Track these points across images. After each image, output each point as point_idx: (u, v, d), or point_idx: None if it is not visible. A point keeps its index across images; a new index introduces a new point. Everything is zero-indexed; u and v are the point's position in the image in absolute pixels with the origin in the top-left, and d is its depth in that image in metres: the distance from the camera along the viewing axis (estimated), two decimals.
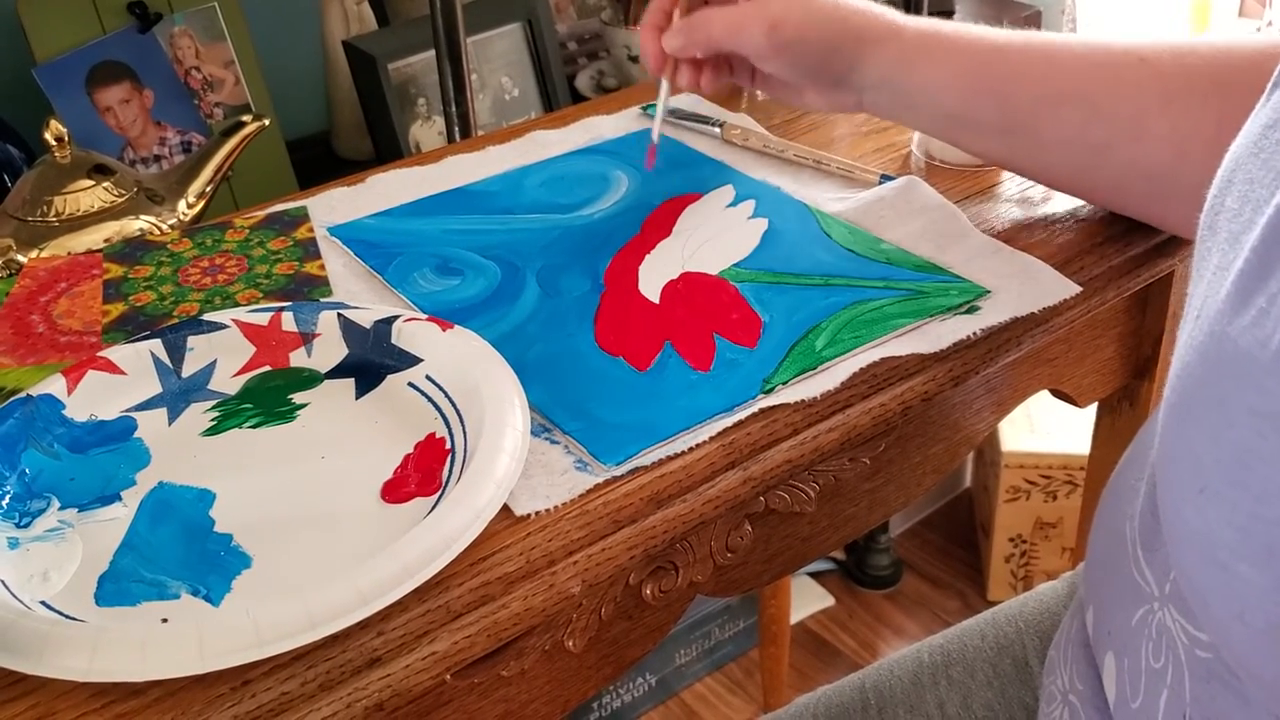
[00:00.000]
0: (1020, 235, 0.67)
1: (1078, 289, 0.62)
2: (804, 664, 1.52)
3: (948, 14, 1.09)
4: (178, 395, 0.57)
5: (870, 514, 0.65)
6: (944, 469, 0.67)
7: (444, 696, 0.50)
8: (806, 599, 1.60)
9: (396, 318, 0.58)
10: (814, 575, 1.64)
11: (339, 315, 0.59)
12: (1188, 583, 0.38)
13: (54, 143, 0.73)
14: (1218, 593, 0.36)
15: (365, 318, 0.59)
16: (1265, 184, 0.38)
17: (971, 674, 0.67)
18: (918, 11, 0.97)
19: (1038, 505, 1.50)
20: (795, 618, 1.54)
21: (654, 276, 0.65)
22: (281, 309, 0.60)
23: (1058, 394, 0.74)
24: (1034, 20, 1.03)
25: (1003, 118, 0.61)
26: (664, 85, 0.69)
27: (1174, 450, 0.38)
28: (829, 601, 1.61)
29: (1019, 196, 0.71)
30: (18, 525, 0.50)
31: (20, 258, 0.71)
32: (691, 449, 0.53)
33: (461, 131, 0.96)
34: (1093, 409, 0.82)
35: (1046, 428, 1.49)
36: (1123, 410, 0.81)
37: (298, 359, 0.59)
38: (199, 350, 0.59)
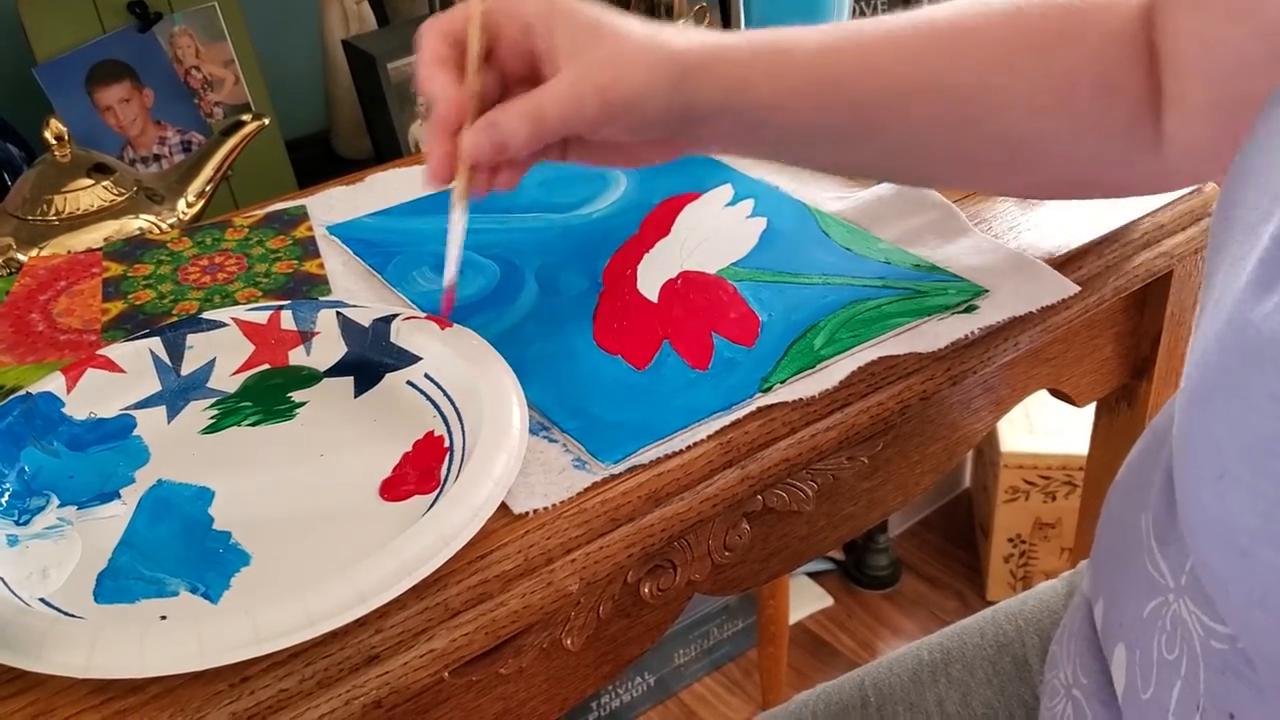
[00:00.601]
0: (1018, 235, 0.67)
1: (1076, 289, 0.62)
2: (802, 664, 1.52)
3: None
4: (177, 393, 0.58)
5: (868, 513, 0.65)
6: (942, 468, 0.67)
7: (442, 694, 0.50)
8: (805, 599, 1.60)
9: (395, 316, 0.59)
10: (813, 575, 1.64)
11: (338, 313, 0.59)
12: (1206, 570, 0.38)
13: (54, 141, 0.73)
14: (1239, 580, 0.36)
15: (364, 316, 0.59)
16: None
17: (971, 672, 0.67)
18: None
19: (1037, 505, 1.50)
20: (794, 618, 1.54)
21: (652, 275, 0.65)
22: (280, 307, 0.60)
23: (1056, 394, 0.74)
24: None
25: (856, 119, 0.56)
26: (458, 212, 0.55)
27: (1192, 438, 0.38)
28: (828, 601, 1.61)
29: None
30: (17, 522, 0.50)
31: (20, 256, 0.71)
32: (689, 447, 0.53)
33: None
34: (1091, 409, 0.82)
35: (1045, 428, 1.50)
36: (1121, 410, 0.81)
37: (296, 357, 0.59)
38: (198, 348, 0.59)
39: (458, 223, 0.54)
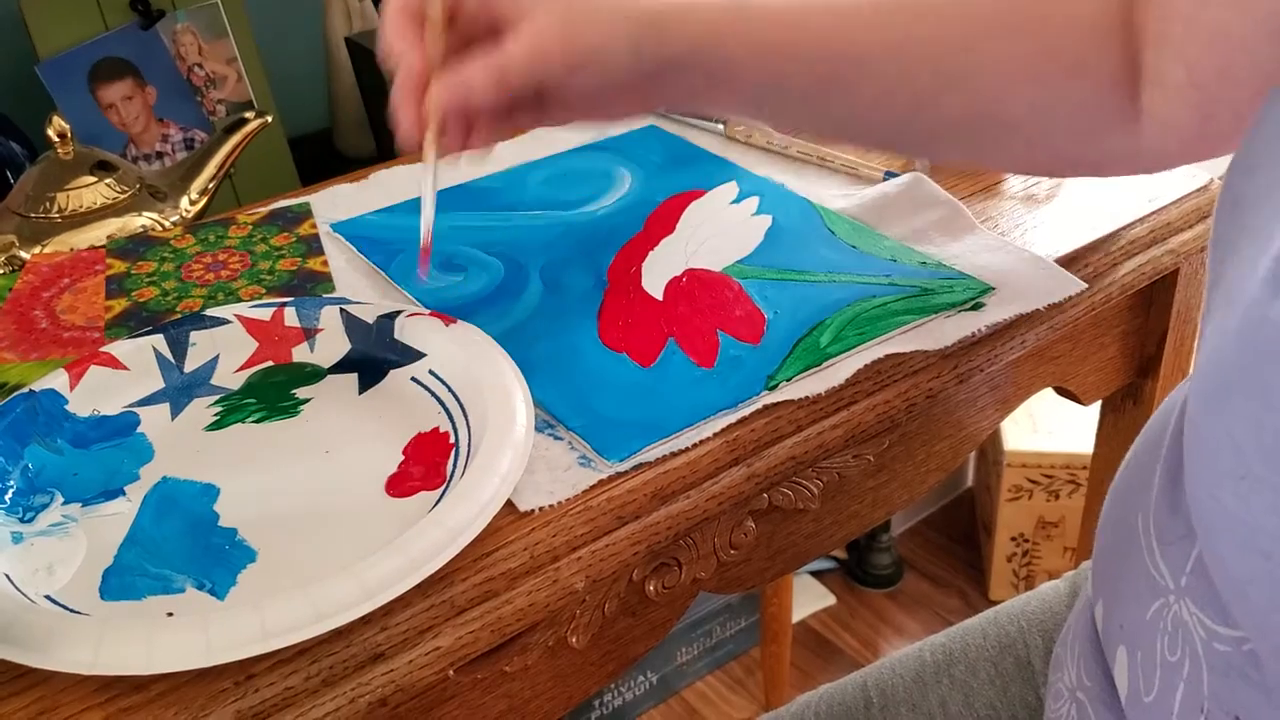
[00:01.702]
0: (1025, 232, 0.67)
1: (1082, 286, 0.62)
2: (805, 663, 1.52)
3: None
4: (181, 390, 0.57)
5: (873, 511, 0.65)
6: (947, 467, 0.67)
7: (447, 692, 0.50)
8: (808, 597, 1.60)
9: (399, 313, 0.58)
10: (815, 574, 1.64)
11: (341, 310, 0.59)
12: (1223, 573, 0.38)
13: (56, 139, 0.73)
14: (1259, 583, 0.35)
15: (368, 313, 0.59)
16: None
17: (974, 673, 0.67)
18: None
19: (1040, 504, 1.50)
20: (797, 616, 1.54)
21: (658, 273, 0.65)
22: (284, 304, 0.60)
23: (1062, 392, 0.74)
24: None
25: (822, 79, 0.56)
26: (433, 162, 0.54)
27: (1208, 438, 0.37)
28: (830, 600, 1.61)
29: (1023, 194, 0.71)
30: (21, 520, 0.50)
31: (23, 254, 0.71)
32: (695, 445, 0.53)
33: None
34: (1095, 407, 0.82)
35: (1049, 427, 1.49)
36: (1126, 409, 0.81)
37: (300, 354, 0.59)
38: (202, 345, 0.58)
39: (430, 177, 0.54)
